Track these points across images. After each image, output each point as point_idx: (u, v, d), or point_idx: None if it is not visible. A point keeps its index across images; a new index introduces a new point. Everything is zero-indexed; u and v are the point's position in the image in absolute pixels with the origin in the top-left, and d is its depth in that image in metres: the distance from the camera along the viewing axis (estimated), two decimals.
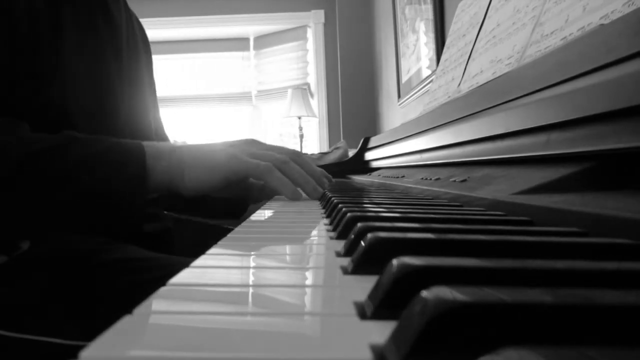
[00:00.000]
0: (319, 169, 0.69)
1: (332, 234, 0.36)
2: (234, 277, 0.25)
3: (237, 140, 0.62)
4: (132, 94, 0.75)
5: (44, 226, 0.54)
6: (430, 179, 0.68)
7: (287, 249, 0.33)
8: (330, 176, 0.73)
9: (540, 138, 0.42)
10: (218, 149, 0.59)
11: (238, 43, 4.19)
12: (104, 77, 0.68)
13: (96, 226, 0.56)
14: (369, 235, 0.25)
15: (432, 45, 1.98)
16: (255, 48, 4.19)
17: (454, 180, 0.58)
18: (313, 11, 3.83)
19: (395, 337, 0.14)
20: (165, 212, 0.81)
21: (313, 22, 3.85)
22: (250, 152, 0.60)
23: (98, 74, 0.67)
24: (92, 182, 0.52)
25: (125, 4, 0.80)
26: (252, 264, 0.28)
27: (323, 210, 0.54)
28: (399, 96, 2.68)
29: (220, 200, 0.84)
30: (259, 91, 4.21)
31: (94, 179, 0.52)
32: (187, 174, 0.57)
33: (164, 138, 0.94)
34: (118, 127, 0.69)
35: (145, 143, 0.56)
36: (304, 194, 0.65)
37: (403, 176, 0.90)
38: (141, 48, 0.82)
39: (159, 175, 0.55)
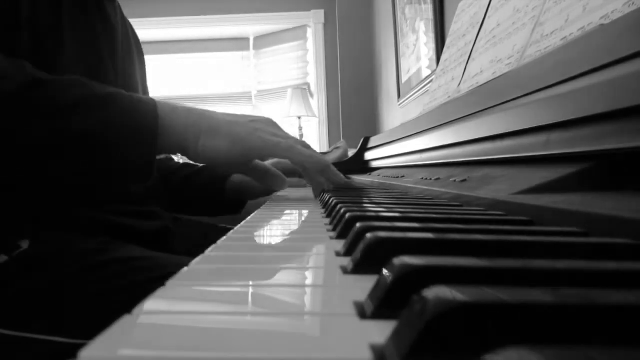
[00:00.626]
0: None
1: (332, 233, 0.36)
2: (234, 276, 0.25)
3: (258, 117, 0.60)
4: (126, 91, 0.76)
5: (45, 164, 0.50)
6: (430, 179, 0.68)
7: (287, 248, 0.33)
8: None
9: (540, 138, 0.42)
10: (239, 120, 0.56)
11: (238, 43, 4.19)
12: (101, 75, 0.69)
13: (96, 172, 0.52)
14: (369, 235, 0.25)
15: (432, 45, 1.98)
16: (255, 48, 4.18)
17: (454, 180, 0.58)
18: (313, 11, 3.83)
19: (395, 337, 0.14)
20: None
21: (313, 22, 3.84)
22: (270, 131, 0.57)
23: (96, 72, 0.67)
24: (97, 121, 0.49)
25: (120, 8, 0.81)
26: (252, 264, 0.28)
27: (323, 210, 0.54)
28: (398, 96, 2.68)
29: (218, 199, 0.84)
30: (258, 91, 4.20)
31: (100, 117, 0.49)
32: (203, 140, 0.54)
33: None
34: None
35: (158, 100, 0.54)
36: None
37: (403, 176, 0.90)
38: (134, 51, 0.83)
39: (172, 134, 0.52)
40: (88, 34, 0.67)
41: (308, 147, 0.64)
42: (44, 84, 0.48)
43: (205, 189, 0.84)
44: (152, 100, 0.53)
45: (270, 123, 0.60)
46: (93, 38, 0.68)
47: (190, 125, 0.53)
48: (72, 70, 0.62)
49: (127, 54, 0.78)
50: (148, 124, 0.50)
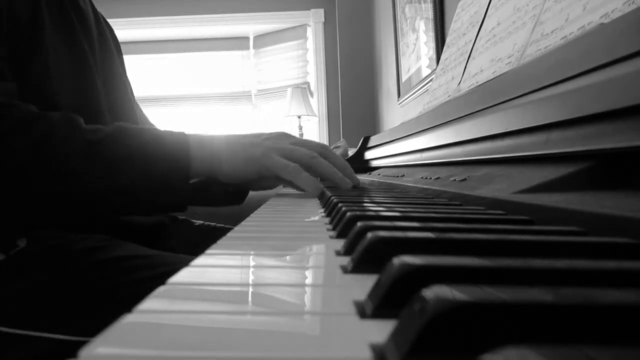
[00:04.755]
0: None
1: (332, 233, 0.36)
2: (234, 276, 0.25)
3: (271, 134, 0.67)
4: (108, 83, 0.77)
5: (104, 210, 0.59)
6: (430, 178, 0.68)
7: (287, 248, 0.33)
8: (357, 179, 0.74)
9: (540, 137, 0.42)
10: (252, 142, 0.65)
11: (238, 42, 4.19)
12: (86, 71, 0.70)
13: (146, 209, 0.62)
14: (369, 234, 0.25)
15: (432, 44, 1.98)
16: (255, 47, 4.18)
17: (454, 180, 0.58)
18: (313, 10, 3.83)
19: (395, 336, 0.14)
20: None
21: (313, 21, 3.84)
22: (281, 148, 0.64)
23: (80, 68, 0.69)
24: (145, 168, 0.57)
25: (91, 2, 0.81)
26: (252, 263, 0.28)
27: (323, 210, 0.54)
28: (398, 95, 2.68)
29: (220, 189, 0.84)
30: (258, 90, 4.20)
31: (143, 168, 0.57)
32: (225, 164, 0.63)
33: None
34: (100, 114, 0.71)
35: (188, 134, 0.62)
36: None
37: (403, 175, 0.90)
38: (111, 42, 0.84)
39: (201, 163, 0.62)
40: (68, 30, 0.69)
41: (327, 149, 0.68)
42: (97, 145, 0.56)
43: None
44: (184, 139, 0.61)
45: (282, 137, 0.67)
46: (73, 34, 0.70)
47: (214, 154, 0.63)
48: (57, 68, 0.64)
49: (104, 45, 0.80)
50: (181, 169, 0.60)
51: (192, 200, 0.76)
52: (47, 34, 0.64)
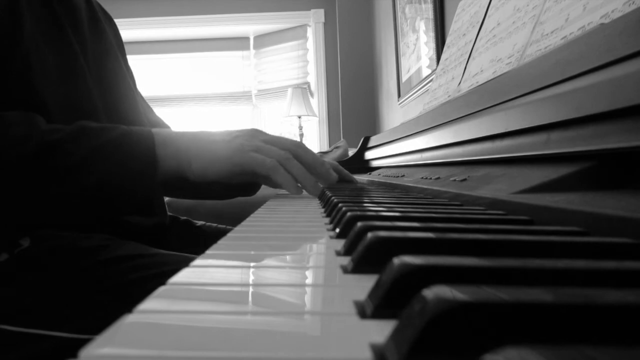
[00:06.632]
0: (327, 161, 0.69)
1: (332, 233, 0.36)
2: (234, 276, 0.25)
3: (241, 131, 0.63)
4: (104, 81, 0.73)
5: (59, 214, 0.56)
6: (430, 178, 0.68)
7: (287, 248, 0.33)
8: (340, 168, 0.72)
9: (541, 137, 0.42)
10: (223, 139, 0.61)
11: (238, 42, 4.19)
12: (70, 61, 0.66)
13: (110, 211, 0.59)
14: (369, 234, 0.25)
15: (432, 45, 1.98)
16: (255, 47, 4.18)
17: (454, 180, 0.58)
18: (313, 10, 3.83)
19: (395, 336, 0.14)
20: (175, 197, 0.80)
21: (313, 21, 3.84)
22: (254, 146, 0.61)
23: (64, 60, 0.65)
24: (105, 171, 0.54)
25: None
26: (252, 263, 0.28)
27: (323, 210, 0.54)
28: (399, 95, 2.68)
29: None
30: (259, 90, 4.20)
31: (107, 167, 0.54)
32: (194, 162, 0.59)
33: (158, 123, 0.93)
34: (95, 115, 0.67)
35: (154, 130, 0.58)
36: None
37: (403, 175, 0.90)
38: (109, 37, 0.79)
39: (167, 161, 0.58)
40: (52, 25, 0.64)
41: (301, 147, 0.65)
42: (56, 146, 0.53)
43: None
44: (149, 137, 0.58)
45: (254, 134, 0.63)
46: (59, 29, 0.65)
47: (181, 151, 0.59)
48: (40, 66, 0.60)
49: (99, 41, 0.75)
50: (147, 163, 0.56)
51: (160, 199, 0.73)
52: (27, 29, 0.60)
